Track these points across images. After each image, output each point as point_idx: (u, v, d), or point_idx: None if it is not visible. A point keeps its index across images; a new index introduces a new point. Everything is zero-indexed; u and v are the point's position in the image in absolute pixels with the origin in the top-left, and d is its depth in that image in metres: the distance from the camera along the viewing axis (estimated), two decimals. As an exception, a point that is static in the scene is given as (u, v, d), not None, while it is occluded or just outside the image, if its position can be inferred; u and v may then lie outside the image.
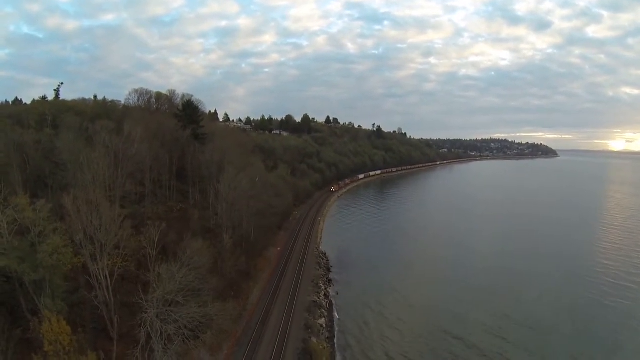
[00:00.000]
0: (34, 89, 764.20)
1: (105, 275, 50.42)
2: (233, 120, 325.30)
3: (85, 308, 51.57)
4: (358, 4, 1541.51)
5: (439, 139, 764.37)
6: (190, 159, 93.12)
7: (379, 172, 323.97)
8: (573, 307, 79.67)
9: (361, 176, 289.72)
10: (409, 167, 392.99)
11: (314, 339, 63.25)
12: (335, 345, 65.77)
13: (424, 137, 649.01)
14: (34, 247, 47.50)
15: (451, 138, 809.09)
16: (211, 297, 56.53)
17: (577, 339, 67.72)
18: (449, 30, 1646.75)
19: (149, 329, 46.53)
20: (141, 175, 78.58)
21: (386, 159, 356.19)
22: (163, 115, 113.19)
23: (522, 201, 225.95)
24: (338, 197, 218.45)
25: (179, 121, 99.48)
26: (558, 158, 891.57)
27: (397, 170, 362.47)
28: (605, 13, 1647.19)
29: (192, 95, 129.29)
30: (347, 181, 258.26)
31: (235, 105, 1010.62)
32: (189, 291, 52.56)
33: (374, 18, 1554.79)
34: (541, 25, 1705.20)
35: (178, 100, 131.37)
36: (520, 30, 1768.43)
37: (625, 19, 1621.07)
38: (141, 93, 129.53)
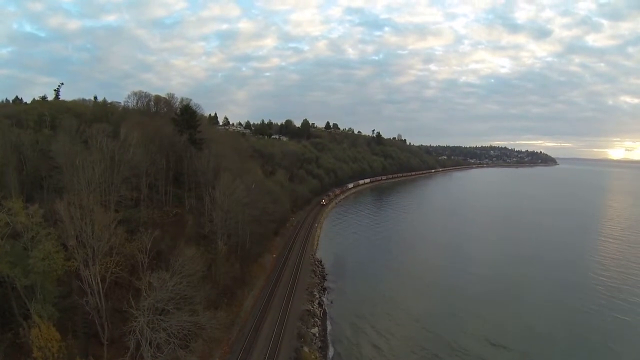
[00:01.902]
0: (35, 88, 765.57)
1: (97, 281, 50.23)
2: (233, 124, 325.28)
3: (77, 313, 51.35)
4: (359, 9, 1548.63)
5: (439, 145, 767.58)
6: (186, 164, 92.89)
7: (368, 180, 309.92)
8: (569, 318, 79.66)
9: (350, 185, 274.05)
10: (400, 175, 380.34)
11: (306, 349, 63.04)
12: (327, 356, 65.37)
13: (424, 144, 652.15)
14: (26, 251, 47.37)
15: (451, 145, 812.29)
16: (203, 305, 56.31)
17: (573, 351, 67.76)
18: (449, 37, 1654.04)
19: (139, 336, 46.33)
20: (137, 179, 78.26)
21: (385, 166, 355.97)
22: (161, 118, 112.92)
23: (520, 210, 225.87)
24: (336, 203, 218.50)
25: (176, 126, 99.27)
26: (557, 166, 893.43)
27: (386, 178, 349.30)
28: (605, 22, 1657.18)
29: (190, 100, 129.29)
30: (337, 191, 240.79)
31: (235, 108, 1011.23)
32: (181, 298, 52.40)
33: (375, 24, 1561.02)
34: (541, 33, 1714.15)
35: (177, 104, 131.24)
36: (520, 38, 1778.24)
37: (625, 27, 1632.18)
38: (140, 96, 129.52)
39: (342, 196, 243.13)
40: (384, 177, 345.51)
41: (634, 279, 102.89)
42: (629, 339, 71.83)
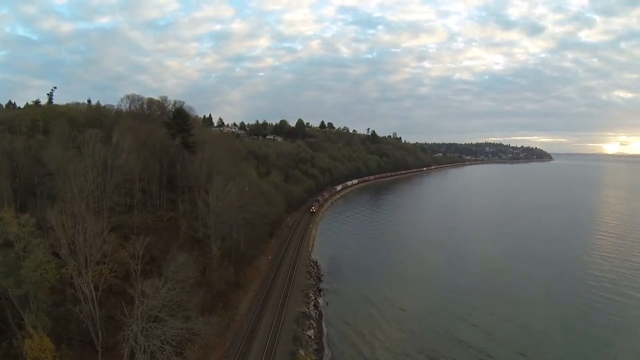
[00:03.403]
0: (29, 91, 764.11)
1: (90, 289, 50.11)
2: (227, 125, 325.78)
3: (72, 321, 51.19)
4: (351, 8, 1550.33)
5: (434, 143, 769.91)
6: (179, 168, 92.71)
7: (355, 181, 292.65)
8: (565, 316, 79.84)
9: (339, 187, 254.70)
10: (389, 174, 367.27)
11: (301, 352, 63.04)
12: (323, 358, 65.36)
13: (419, 141, 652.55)
14: (18, 261, 47.23)
15: (446, 142, 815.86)
16: (197, 310, 56.27)
17: (569, 350, 67.75)
18: (443, 34, 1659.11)
19: (133, 344, 46.34)
20: (130, 185, 78.14)
21: (380, 164, 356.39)
22: (154, 122, 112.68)
23: (516, 207, 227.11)
24: (332, 202, 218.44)
25: (168, 129, 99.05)
26: (553, 161, 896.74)
27: (374, 178, 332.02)
28: (597, 17, 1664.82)
29: (183, 102, 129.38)
30: (326, 195, 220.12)
31: (230, 109, 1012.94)
32: (175, 304, 52.38)
33: (368, 22, 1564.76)
34: (534, 29, 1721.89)
35: (170, 106, 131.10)
36: (514, 35, 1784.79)
37: (618, 23, 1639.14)
38: (133, 99, 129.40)
39: (334, 197, 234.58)
40: (371, 177, 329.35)
41: (630, 276, 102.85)
42: (625, 337, 71.97)
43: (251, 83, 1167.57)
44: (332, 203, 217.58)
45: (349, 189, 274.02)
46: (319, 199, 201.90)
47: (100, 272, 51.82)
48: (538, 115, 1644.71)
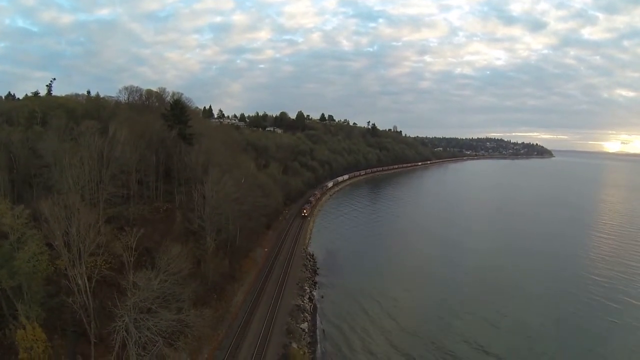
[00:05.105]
0: (29, 83, 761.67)
1: (84, 281, 50.32)
2: (228, 117, 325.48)
3: (66, 312, 51.49)
4: (352, 1, 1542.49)
5: (435, 137, 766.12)
6: (176, 160, 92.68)
7: (346, 176, 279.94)
8: (562, 315, 80.00)
9: (330, 184, 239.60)
10: (380, 168, 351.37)
11: (294, 345, 63.45)
12: (316, 352, 65.70)
13: (420, 135, 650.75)
14: (12, 252, 47.44)
15: (447, 136, 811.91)
16: (191, 302, 56.43)
17: (563, 347, 68.30)
18: (444, 29, 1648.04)
19: (125, 334, 46.64)
20: (126, 176, 78.23)
21: (380, 157, 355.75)
22: (152, 113, 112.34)
23: (515, 202, 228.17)
24: (330, 196, 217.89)
25: (166, 121, 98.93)
26: (553, 158, 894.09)
27: (365, 173, 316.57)
28: (600, 15, 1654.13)
29: (181, 94, 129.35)
30: (317, 194, 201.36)
31: (230, 100, 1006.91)
32: (167, 295, 52.61)
33: (369, 15, 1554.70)
34: (536, 25, 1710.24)
35: (169, 98, 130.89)
36: (516, 31, 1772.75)
37: (621, 21, 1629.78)
38: (131, 91, 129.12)
39: (322, 199, 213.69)
40: (362, 172, 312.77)
41: (627, 276, 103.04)
42: (620, 336, 72.44)
43: (252, 75, 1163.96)
44: (330, 196, 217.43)
45: (340, 186, 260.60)
46: (311, 199, 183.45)
47: (94, 264, 52.00)
48: (539, 111, 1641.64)
